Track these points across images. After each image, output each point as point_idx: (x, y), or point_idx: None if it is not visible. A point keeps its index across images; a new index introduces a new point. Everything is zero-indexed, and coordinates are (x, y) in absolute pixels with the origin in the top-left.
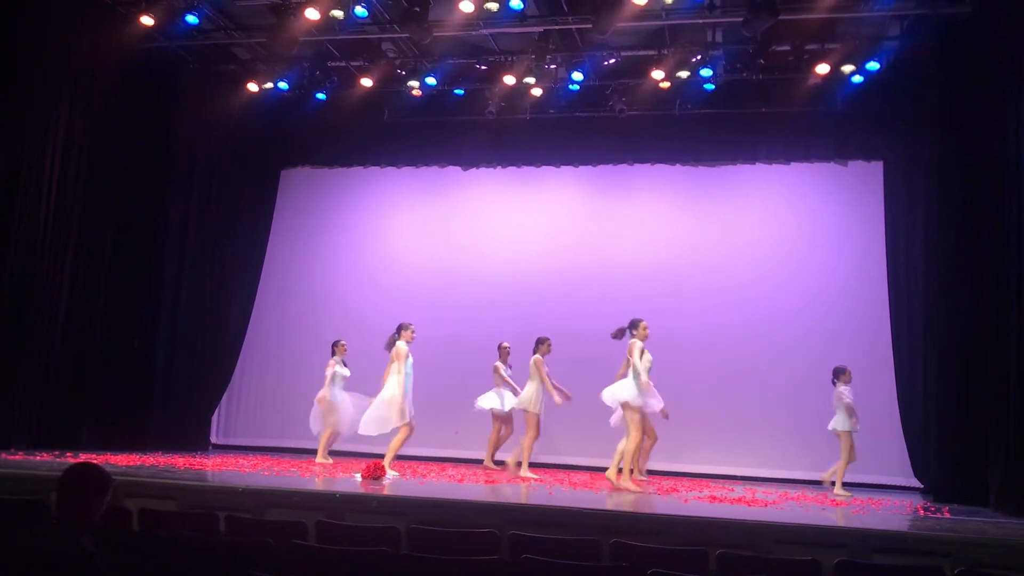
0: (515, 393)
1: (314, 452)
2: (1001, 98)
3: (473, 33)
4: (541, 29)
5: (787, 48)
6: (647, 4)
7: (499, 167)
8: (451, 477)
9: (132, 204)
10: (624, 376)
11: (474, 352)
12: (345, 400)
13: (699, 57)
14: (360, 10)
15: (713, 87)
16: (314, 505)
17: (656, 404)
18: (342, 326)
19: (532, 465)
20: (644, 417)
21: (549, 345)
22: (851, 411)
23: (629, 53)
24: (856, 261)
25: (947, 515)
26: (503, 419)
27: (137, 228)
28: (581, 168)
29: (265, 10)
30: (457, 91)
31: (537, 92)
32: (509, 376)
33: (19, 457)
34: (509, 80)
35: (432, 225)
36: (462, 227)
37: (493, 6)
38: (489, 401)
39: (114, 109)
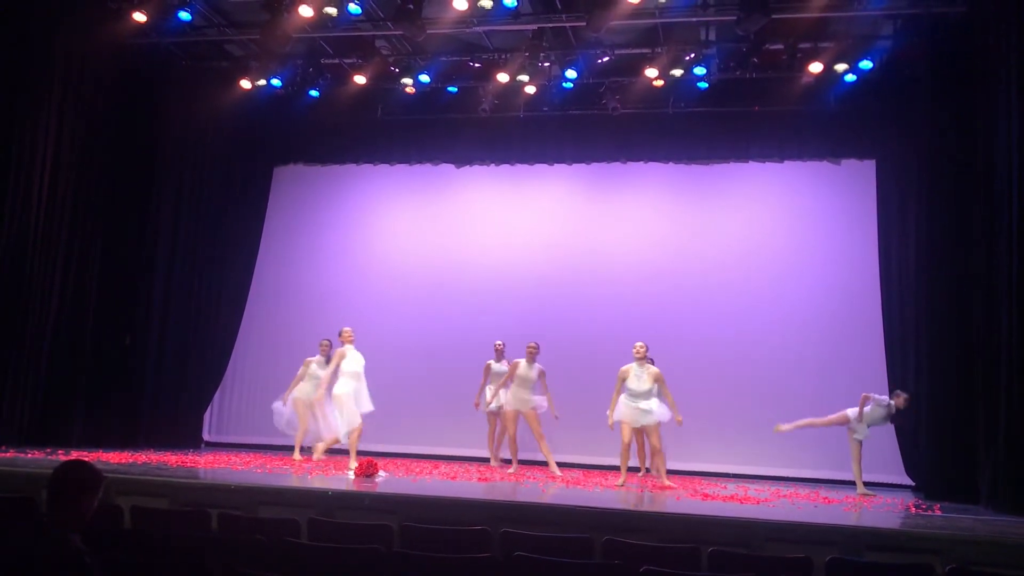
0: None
1: (309, 450)
2: (993, 97)
3: (467, 31)
4: (535, 27)
5: (780, 47)
6: (641, 2)
7: (492, 165)
8: (443, 474)
9: (123, 201)
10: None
11: (466, 349)
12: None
13: (692, 55)
14: (354, 7)
15: (706, 85)
16: (306, 502)
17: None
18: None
19: (525, 463)
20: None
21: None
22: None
23: (623, 51)
24: (848, 259)
25: (938, 512)
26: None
27: (128, 225)
28: (574, 166)
29: (258, 7)
30: (451, 88)
31: (531, 90)
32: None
33: (10, 455)
34: (503, 78)
35: (425, 222)
36: (455, 224)
37: (487, 3)
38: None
39: (105, 106)
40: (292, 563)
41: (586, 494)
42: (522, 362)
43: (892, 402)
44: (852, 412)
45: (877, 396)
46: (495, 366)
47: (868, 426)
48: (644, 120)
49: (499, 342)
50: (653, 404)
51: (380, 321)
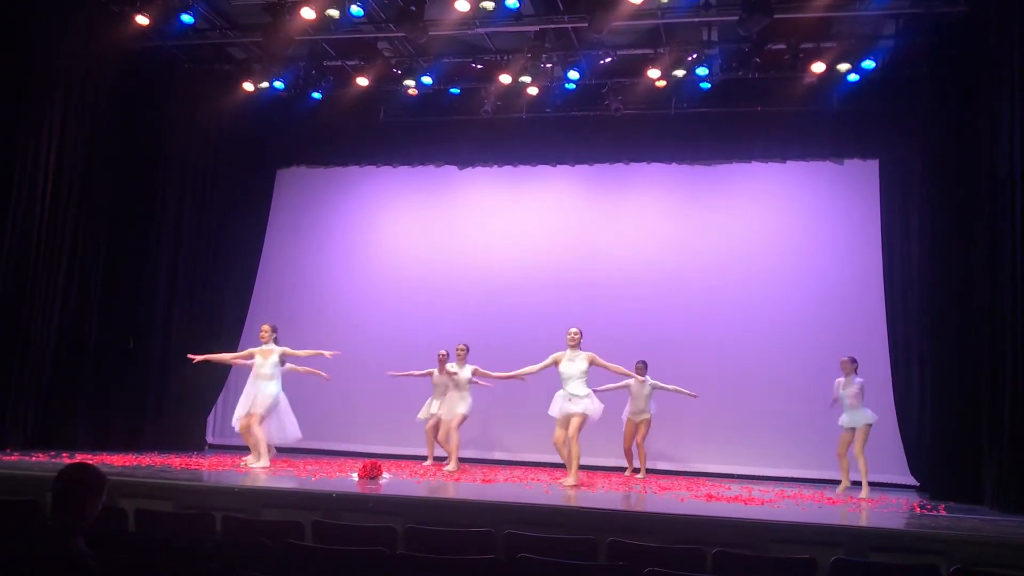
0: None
1: (313, 452)
2: (995, 96)
3: (469, 32)
4: (537, 28)
5: (783, 47)
6: (643, 3)
7: (495, 166)
8: (447, 476)
9: (126, 204)
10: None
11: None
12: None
13: (695, 56)
14: (356, 9)
15: (709, 86)
16: (310, 505)
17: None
18: (337, 324)
19: (528, 464)
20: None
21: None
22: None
23: (625, 52)
24: (852, 259)
25: (943, 513)
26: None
27: (131, 228)
28: (577, 167)
29: (260, 9)
30: (453, 90)
31: (533, 91)
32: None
33: (14, 457)
34: (505, 79)
35: (428, 224)
36: (458, 226)
37: (489, 5)
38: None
39: (108, 109)
40: (296, 565)
41: (590, 495)
42: (452, 365)
43: (843, 378)
44: (849, 419)
45: (841, 388)
46: (436, 377)
47: (865, 405)
48: (647, 121)
49: (442, 351)
50: (581, 389)
51: (383, 322)
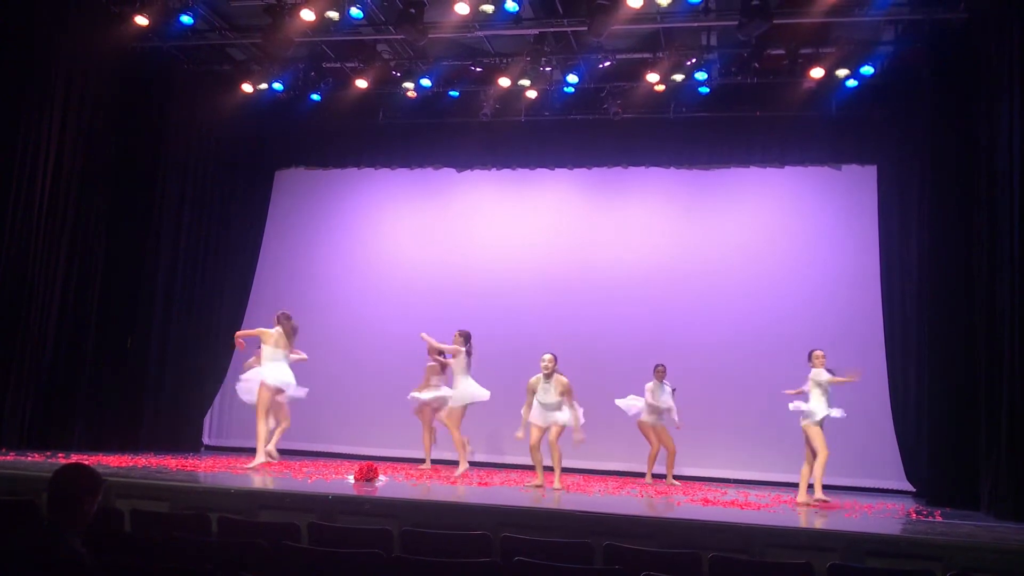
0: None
1: (305, 454)
2: (994, 103)
3: (468, 35)
4: (536, 31)
5: (782, 52)
6: (642, 7)
7: (493, 169)
8: (444, 479)
9: (125, 204)
10: None
11: None
12: None
13: (694, 60)
14: (355, 11)
15: (708, 90)
16: (306, 507)
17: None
18: (335, 326)
19: (524, 468)
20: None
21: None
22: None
23: (624, 56)
24: (849, 265)
25: (939, 519)
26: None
27: (130, 228)
28: (575, 171)
29: (260, 11)
30: (452, 93)
31: (532, 94)
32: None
33: (10, 457)
34: (504, 82)
35: (426, 227)
36: (456, 229)
37: (488, 8)
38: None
39: (107, 110)
40: (292, 567)
41: (587, 499)
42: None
43: (817, 374)
44: (806, 421)
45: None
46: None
47: (828, 402)
48: (645, 125)
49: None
50: (561, 416)
51: (380, 324)
